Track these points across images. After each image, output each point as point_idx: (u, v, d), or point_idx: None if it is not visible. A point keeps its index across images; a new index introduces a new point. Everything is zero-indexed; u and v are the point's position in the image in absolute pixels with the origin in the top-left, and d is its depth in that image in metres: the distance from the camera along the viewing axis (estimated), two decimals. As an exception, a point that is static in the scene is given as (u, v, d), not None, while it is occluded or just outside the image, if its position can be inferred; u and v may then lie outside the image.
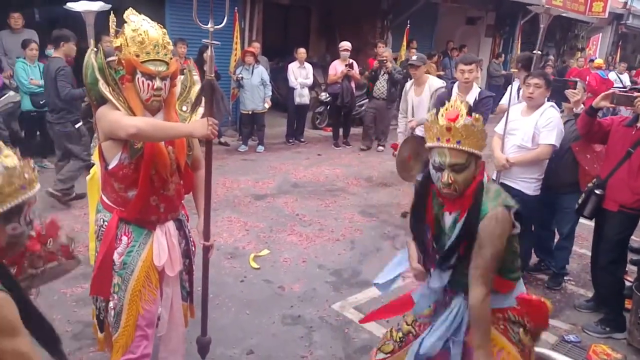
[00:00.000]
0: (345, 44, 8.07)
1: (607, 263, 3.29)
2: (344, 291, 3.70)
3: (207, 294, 2.50)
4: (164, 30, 2.14)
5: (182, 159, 2.24)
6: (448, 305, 1.97)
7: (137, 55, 2.02)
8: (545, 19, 3.52)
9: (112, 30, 2.18)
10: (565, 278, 4.05)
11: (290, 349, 2.99)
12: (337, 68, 8.02)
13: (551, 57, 13.77)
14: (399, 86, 7.65)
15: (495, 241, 1.75)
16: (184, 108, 2.31)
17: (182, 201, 2.40)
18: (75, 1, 2.61)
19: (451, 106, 1.78)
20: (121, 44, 2.06)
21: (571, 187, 3.61)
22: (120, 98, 2.08)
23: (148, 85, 2.06)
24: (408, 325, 2.09)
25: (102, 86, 2.06)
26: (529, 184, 3.59)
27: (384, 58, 7.65)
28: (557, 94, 3.64)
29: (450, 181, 1.76)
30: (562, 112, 3.74)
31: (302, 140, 8.40)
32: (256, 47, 7.80)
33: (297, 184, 6.19)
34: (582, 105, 3.58)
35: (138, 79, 2.05)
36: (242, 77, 7.30)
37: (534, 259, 4.16)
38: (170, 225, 2.32)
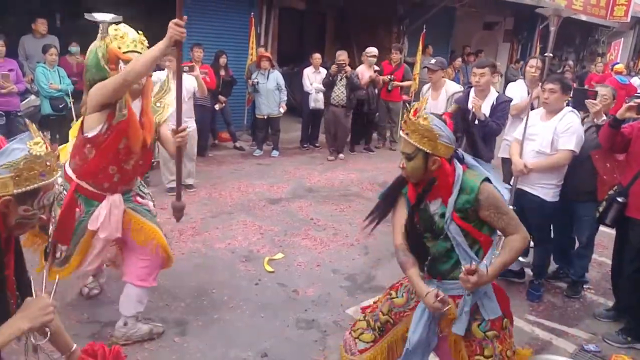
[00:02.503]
0: (372, 50, 7.87)
1: (632, 271, 3.21)
2: (359, 296, 3.67)
3: (180, 165, 2.83)
4: (141, 32, 2.62)
5: (149, 138, 2.67)
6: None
7: (119, 47, 2.50)
8: (555, 22, 3.47)
9: (102, 37, 2.57)
10: (584, 286, 3.97)
11: (304, 352, 2.97)
12: (363, 74, 7.77)
13: (570, 62, 13.59)
14: (356, 93, 7.41)
15: (499, 197, 1.98)
16: (158, 104, 2.87)
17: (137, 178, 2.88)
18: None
19: (419, 102, 2.04)
20: (107, 44, 2.52)
21: (589, 195, 3.52)
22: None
23: None
24: (385, 315, 2.21)
25: (103, 62, 2.49)
26: (547, 190, 3.53)
27: (342, 62, 7.16)
28: (578, 104, 3.57)
29: (401, 166, 2.03)
30: (587, 116, 3.65)
31: (317, 145, 8.41)
32: (261, 51, 7.82)
33: (311, 189, 6.19)
34: (604, 117, 3.47)
35: (120, 67, 2.49)
36: (257, 82, 7.34)
37: (552, 266, 4.09)
38: (117, 197, 2.69)
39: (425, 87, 5.54)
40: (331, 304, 3.54)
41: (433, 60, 5.45)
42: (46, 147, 1.44)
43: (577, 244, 3.94)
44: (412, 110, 2.00)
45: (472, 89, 4.31)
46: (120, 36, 2.50)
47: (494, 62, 4.41)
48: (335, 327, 3.25)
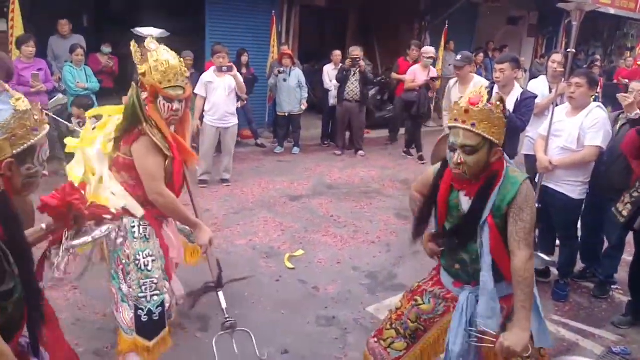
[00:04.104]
0: (430, 50, 7.66)
1: None
2: (379, 294, 3.65)
3: None
4: (181, 59, 2.47)
5: (188, 162, 2.64)
6: (454, 301, 2.03)
7: (160, 82, 2.31)
8: (577, 16, 3.38)
9: (136, 58, 2.38)
10: (612, 287, 3.86)
11: (324, 349, 2.98)
12: (417, 75, 7.44)
13: (597, 57, 13.23)
14: (369, 87, 7.36)
15: (532, 205, 1.85)
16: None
17: None
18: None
19: (476, 91, 1.85)
20: (145, 71, 2.33)
21: (622, 194, 3.39)
22: (154, 127, 2.33)
23: (168, 107, 2.36)
24: (414, 322, 2.15)
25: (147, 128, 2.30)
26: (573, 187, 3.45)
27: (356, 57, 7.14)
28: (610, 99, 3.47)
29: (459, 161, 1.84)
30: (622, 113, 3.53)
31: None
32: (283, 49, 7.85)
33: (332, 186, 6.18)
34: (637, 110, 3.34)
35: (160, 102, 2.35)
36: (283, 71, 7.30)
37: (579, 265, 3.99)
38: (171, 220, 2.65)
39: (452, 81, 5.46)
40: (352, 301, 3.53)
41: (459, 57, 5.36)
42: (29, 102, 1.44)
43: (605, 244, 3.83)
44: (465, 101, 1.83)
45: (496, 85, 4.24)
46: (162, 70, 2.31)
47: (515, 56, 4.31)
48: (355, 324, 3.24)
